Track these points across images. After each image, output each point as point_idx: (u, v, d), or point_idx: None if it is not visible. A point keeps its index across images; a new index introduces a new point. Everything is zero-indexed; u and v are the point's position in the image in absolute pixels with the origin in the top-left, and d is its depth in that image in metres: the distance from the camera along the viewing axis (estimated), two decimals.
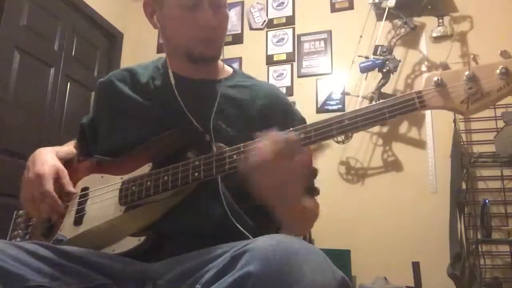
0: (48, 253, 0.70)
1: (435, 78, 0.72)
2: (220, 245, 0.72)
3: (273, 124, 0.94)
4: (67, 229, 0.90)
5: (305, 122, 1.03)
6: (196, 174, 0.80)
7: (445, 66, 0.73)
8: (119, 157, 0.94)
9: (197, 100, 0.95)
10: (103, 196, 0.89)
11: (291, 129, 0.76)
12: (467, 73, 0.69)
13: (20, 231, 0.98)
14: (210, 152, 0.82)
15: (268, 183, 0.72)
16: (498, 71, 0.68)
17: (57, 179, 0.92)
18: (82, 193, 0.93)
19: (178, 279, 0.70)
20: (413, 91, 0.73)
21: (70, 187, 0.93)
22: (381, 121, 0.73)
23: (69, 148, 1.09)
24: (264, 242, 0.58)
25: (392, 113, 0.72)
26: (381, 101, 0.74)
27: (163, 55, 1.08)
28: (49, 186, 0.89)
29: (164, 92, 0.98)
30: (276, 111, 1.00)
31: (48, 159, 0.94)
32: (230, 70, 1.08)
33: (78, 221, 0.89)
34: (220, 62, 1.06)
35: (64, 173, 0.94)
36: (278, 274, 0.54)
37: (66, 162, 0.98)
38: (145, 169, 0.87)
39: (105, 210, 0.87)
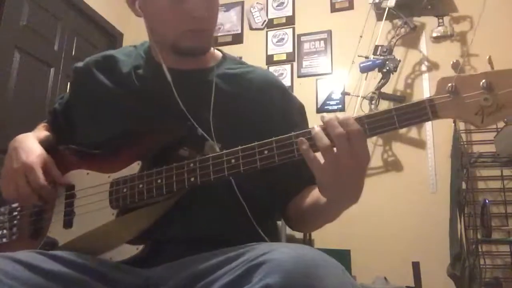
0: (50, 264, 0.67)
1: (449, 85, 0.65)
2: (224, 248, 0.69)
3: (269, 113, 0.88)
4: (56, 231, 0.86)
5: (303, 109, 0.99)
6: (193, 179, 0.75)
7: (460, 69, 0.67)
8: (102, 150, 0.89)
9: (188, 93, 0.89)
10: (92, 198, 0.84)
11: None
12: (483, 81, 0.64)
13: (5, 230, 0.93)
14: (202, 148, 0.79)
15: (331, 172, 0.65)
16: None
17: (46, 170, 0.86)
18: (69, 192, 0.88)
19: (184, 284, 0.67)
20: (424, 98, 0.67)
21: (61, 179, 0.88)
22: (392, 130, 0.68)
23: (44, 133, 1.02)
24: (283, 254, 0.56)
25: (402, 123, 0.67)
26: (390, 108, 0.68)
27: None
28: (41, 177, 0.84)
29: (149, 83, 0.92)
30: (272, 98, 0.94)
31: (33, 148, 0.89)
32: (219, 55, 1.01)
33: (67, 224, 0.85)
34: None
35: (52, 163, 0.88)
36: (299, 287, 0.52)
37: (48, 150, 0.92)
38: (135, 167, 0.82)
39: (96, 214, 0.82)
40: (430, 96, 0.67)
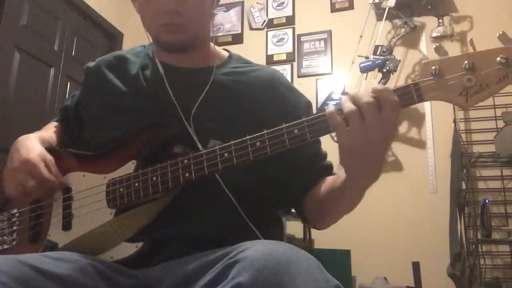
0: (56, 267, 0.66)
1: (433, 67, 0.66)
2: (217, 249, 0.69)
3: (276, 109, 0.88)
4: (56, 234, 0.86)
5: (311, 104, 0.99)
6: (187, 174, 0.76)
7: (443, 52, 0.69)
8: (101, 152, 0.89)
9: (184, 90, 0.89)
10: (89, 199, 0.84)
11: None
12: (466, 62, 0.65)
13: (5, 237, 0.93)
14: (194, 145, 0.79)
15: (357, 140, 0.64)
16: (498, 59, 0.63)
17: (46, 167, 0.86)
18: (66, 195, 0.88)
19: (177, 285, 0.68)
20: (409, 82, 0.68)
21: (60, 179, 0.87)
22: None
23: (48, 134, 1.02)
24: (256, 251, 0.57)
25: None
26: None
27: None
28: (45, 170, 0.84)
29: (154, 83, 0.92)
30: (280, 95, 0.94)
31: (34, 147, 0.89)
32: (225, 54, 1.00)
33: (66, 226, 0.85)
34: (212, 47, 0.99)
35: (52, 162, 0.88)
36: (269, 285, 0.52)
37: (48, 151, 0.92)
38: (130, 167, 0.82)
39: (94, 214, 0.82)
40: (414, 80, 0.68)
